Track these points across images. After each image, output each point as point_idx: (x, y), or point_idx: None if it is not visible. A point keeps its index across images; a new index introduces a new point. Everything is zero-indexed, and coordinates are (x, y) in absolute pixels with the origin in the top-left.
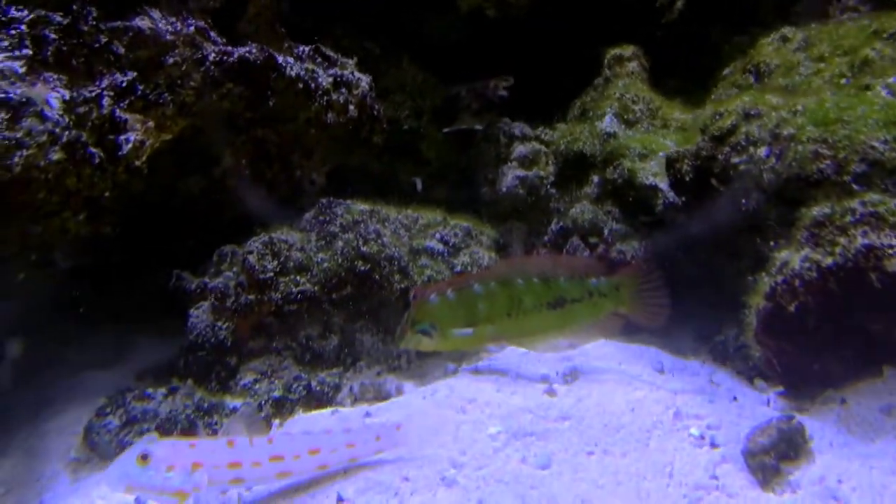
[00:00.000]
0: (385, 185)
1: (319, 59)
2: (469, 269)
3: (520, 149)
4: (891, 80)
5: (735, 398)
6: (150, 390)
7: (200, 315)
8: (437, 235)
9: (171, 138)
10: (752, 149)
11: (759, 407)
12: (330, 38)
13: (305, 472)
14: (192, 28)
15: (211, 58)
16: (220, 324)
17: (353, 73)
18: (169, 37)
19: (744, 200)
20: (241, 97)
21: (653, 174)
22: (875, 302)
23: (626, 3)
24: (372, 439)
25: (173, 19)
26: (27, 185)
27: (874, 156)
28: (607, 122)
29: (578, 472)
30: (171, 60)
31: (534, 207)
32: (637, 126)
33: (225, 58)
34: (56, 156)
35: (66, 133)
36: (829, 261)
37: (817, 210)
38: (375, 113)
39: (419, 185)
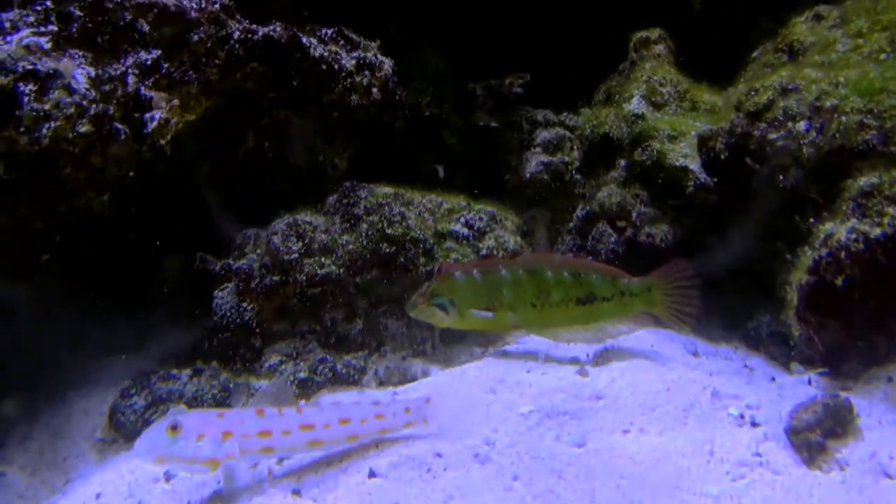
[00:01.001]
0: (407, 172)
1: (342, 42)
2: (494, 252)
3: (543, 134)
4: None
5: (773, 379)
6: (175, 371)
7: (225, 296)
8: (462, 220)
9: (195, 119)
10: (790, 123)
11: (801, 386)
12: (351, 24)
13: (336, 441)
14: (216, 6)
15: (236, 36)
16: (245, 304)
17: (375, 55)
18: (194, 14)
19: (781, 177)
20: (265, 77)
21: (683, 155)
22: None
23: None
24: (401, 411)
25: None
26: (55, 160)
27: None
28: (635, 104)
29: (615, 449)
30: (195, 38)
31: (558, 194)
32: (665, 108)
33: (249, 36)
34: (84, 128)
35: (94, 106)
36: (877, 231)
37: (864, 180)
38: (398, 97)
39: (441, 173)
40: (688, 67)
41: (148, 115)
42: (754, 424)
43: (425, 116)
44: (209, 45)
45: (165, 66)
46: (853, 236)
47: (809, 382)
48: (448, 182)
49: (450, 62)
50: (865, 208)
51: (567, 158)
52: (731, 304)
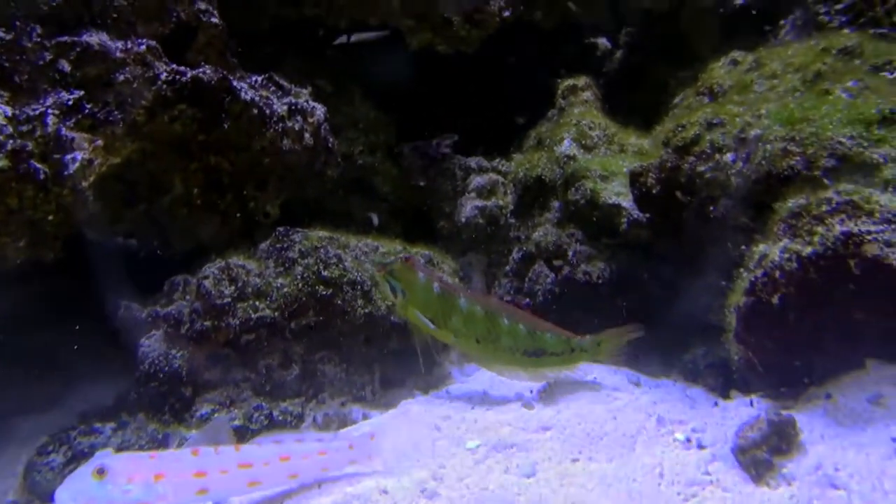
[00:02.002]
0: (340, 220)
1: (273, 88)
2: None
3: (477, 180)
4: (849, 83)
5: (716, 404)
6: (98, 425)
7: (152, 344)
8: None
9: (120, 162)
10: (717, 155)
11: (743, 408)
12: (280, 74)
13: (277, 481)
14: (143, 47)
15: (163, 77)
16: (174, 352)
17: (307, 101)
18: (119, 54)
19: (712, 208)
20: (194, 119)
21: (615, 194)
22: (856, 290)
23: (569, 50)
24: (345, 448)
25: (123, 40)
26: None
27: (842, 150)
28: (566, 146)
29: (565, 477)
30: (121, 78)
31: (493, 238)
32: (595, 151)
33: (178, 77)
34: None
35: (11, 142)
36: (808, 250)
37: (792, 202)
38: (330, 145)
39: (375, 220)
40: (613, 116)
41: (69, 157)
42: (701, 447)
43: (358, 165)
44: (135, 85)
45: (88, 106)
46: (786, 255)
47: (751, 404)
48: (382, 230)
49: (382, 112)
50: (796, 228)
51: (501, 202)
52: (668, 338)
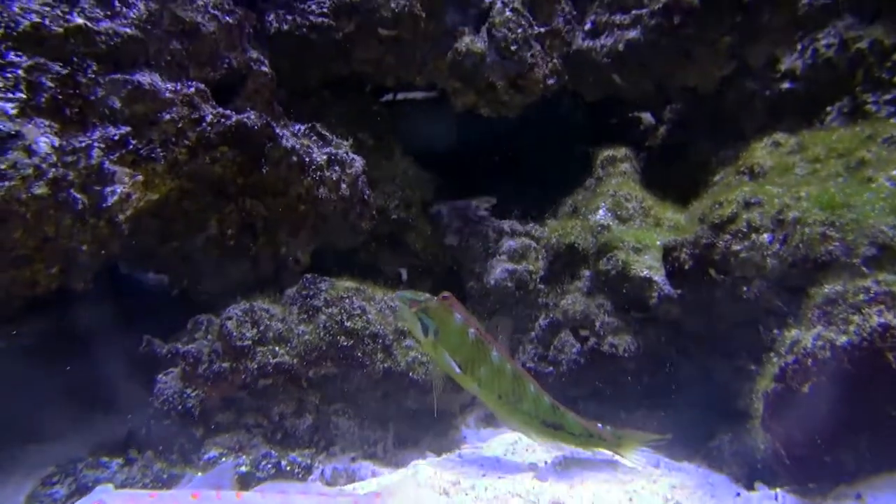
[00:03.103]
0: (369, 273)
1: (315, 137)
2: None
3: (509, 243)
4: (893, 172)
5: (738, 494)
6: (104, 459)
7: (169, 381)
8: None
9: (158, 199)
10: (754, 235)
11: (767, 502)
12: (323, 125)
13: None
14: (192, 89)
15: (209, 119)
16: (189, 391)
17: (347, 152)
18: (168, 94)
19: (746, 288)
20: (234, 162)
21: (647, 267)
22: (892, 385)
23: (612, 123)
24: None
25: (174, 81)
26: (4, 222)
27: (883, 239)
28: (601, 215)
29: None
30: (167, 117)
31: (522, 302)
32: (630, 223)
33: (223, 120)
34: (39, 190)
35: (53, 170)
36: (843, 339)
37: (829, 288)
38: (366, 197)
39: (404, 276)
40: (651, 190)
41: (109, 189)
42: None
43: (392, 219)
44: (180, 125)
45: (133, 142)
46: (819, 343)
47: (776, 498)
48: (411, 286)
49: (421, 169)
50: (831, 316)
51: (532, 267)
52: (693, 422)
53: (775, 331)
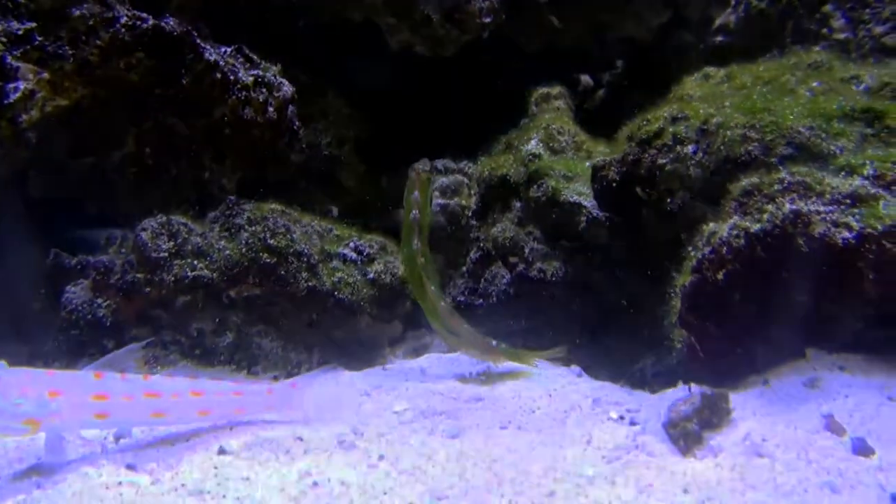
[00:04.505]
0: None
1: (241, 59)
2: (382, 276)
3: (442, 180)
4: (813, 84)
5: (654, 391)
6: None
7: (78, 291)
8: (352, 244)
9: (68, 105)
10: (678, 147)
11: (681, 392)
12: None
13: (185, 415)
14: None
15: (123, 20)
16: (99, 301)
17: (275, 76)
18: None
19: (669, 200)
20: (152, 70)
21: (577, 193)
22: (802, 271)
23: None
24: (263, 392)
25: None
26: None
27: (800, 139)
28: (533, 145)
29: (490, 439)
30: (77, 13)
31: (453, 238)
32: (562, 155)
33: (138, 23)
34: None
35: None
36: (756, 227)
37: (746, 181)
38: (295, 127)
39: (335, 213)
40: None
41: (11, 85)
42: (633, 423)
43: (324, 156)
44: (91, 22)
45: (39, 38)
46: (734, 232)
47: (689, 390)
48: (343, 222)
49: (355, 110)
50: (746, 206)
51: (464, 202)
52: (620, 349)
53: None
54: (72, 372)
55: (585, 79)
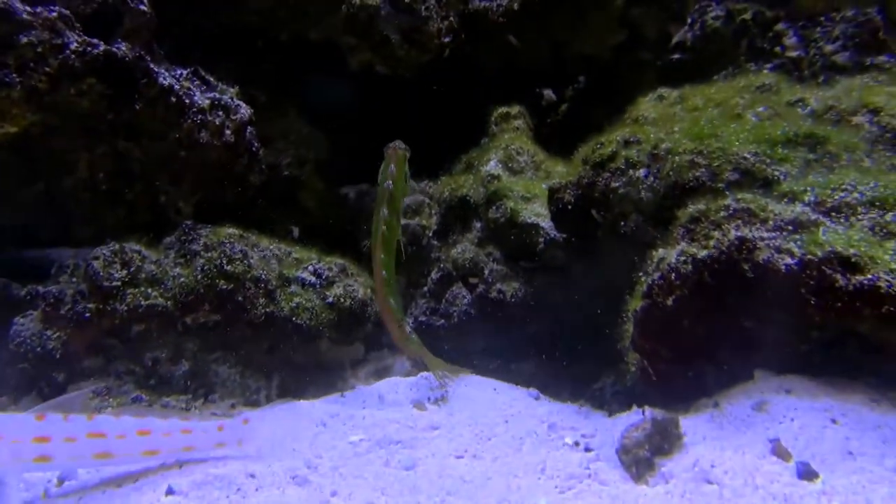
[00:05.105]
0: (260, 230)
1: (198, 81)
2: (342, 300)
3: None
4: (759, 109)
5: (610, 414)
6: None
7: (27, 323)
8: (310, 268)
9: (17, 132)
10: (631, 171)
11: (635, 417)
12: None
13: (131, 455)
14: (54, 13)
15: (73, 46)
16: (49, 333)
17: (232, 98)
18: (25, 16)
19: (623, 223)
20: (104, 96)
21: (535, 214)
22: (748, 296)
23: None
24: (213, 429)
25: (36, 6)
26: None
27: (745, 165)
28: (492, 166)
29: (445, 470)
30: (24, 40)
31: (415, 258)
32: (521, 175)
33: (89, 49)
34: None
35: None
36: (703, 253)
37: (693, 208)
38: (254, 149)
39: (296, 233)
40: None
41: None
42: (588, 449)
43: (284, 176)
44: (39, 49)
45: None
46: (682, 258)
47: (643, 413)
48: (302, 245)
49: (316, 129)
50: (693, 233)
51: (425, 223)
52: (580, 369)
53: (648, 263)
54: (11, 414)
55: (548, 93)
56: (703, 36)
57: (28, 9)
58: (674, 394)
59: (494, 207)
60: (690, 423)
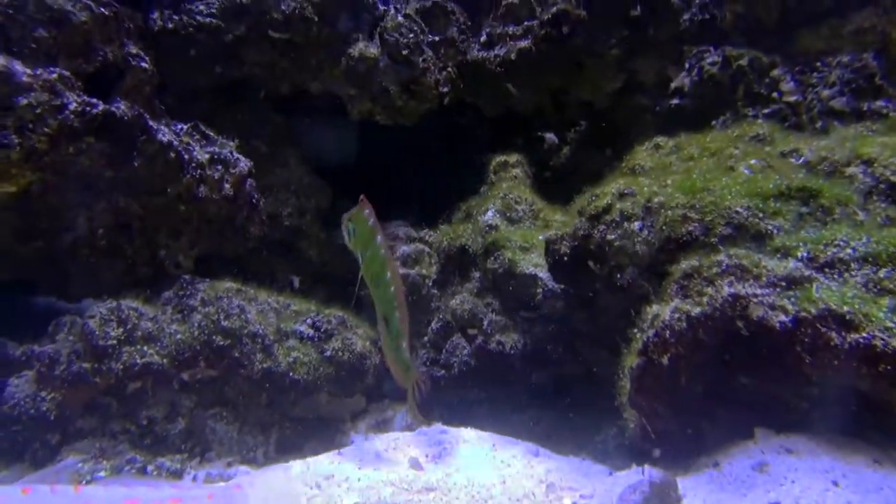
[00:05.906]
0: (261, 282)
1: (197, 136)
2: (340, 353)
3: (403, 248)
4: (752, 161)
5: (611, 473)
6: None
7: (21, 384)
8: (308, 321)
9: (16, 192)
10: (626, 224)
11: (635, 476)
12: (215, 130)
13: None
14: (54, 74)
15: (72, 106)
16: (43, 394)
17: (231, 152)
18: (25, 78)
19: (619, 275)
20: (103, 154)
21: (533, 265)
22: (744, 354)
23: (516, 142)
24: (203, 496)
25: (37, 68)
26: None
27: (738, 220)
28: (490, 216)
29: None
30: (23, 101)
31: (415, 307)
32: (520, 224)
33: (88, 108)
34: None
35: None
36: (697, 310)
37: (686, 263)
38: (254, 201)
39: (296, 283)
40: (547, 201)
41: None
42: None
43: (285, 226)
44: (38, 111)
45: None
46: (676, 315)
47: (643, 472)
48: (306, 295)
49: (316, 178)
50: (687, 289)
51: (425, 272)
52: (582, 420)
53: (643, 319)
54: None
55: (550, 137)
56: (701, 81)
57: (28, 70)
58: (673, 451)
59: (493, 258)
60: (690, 484)
